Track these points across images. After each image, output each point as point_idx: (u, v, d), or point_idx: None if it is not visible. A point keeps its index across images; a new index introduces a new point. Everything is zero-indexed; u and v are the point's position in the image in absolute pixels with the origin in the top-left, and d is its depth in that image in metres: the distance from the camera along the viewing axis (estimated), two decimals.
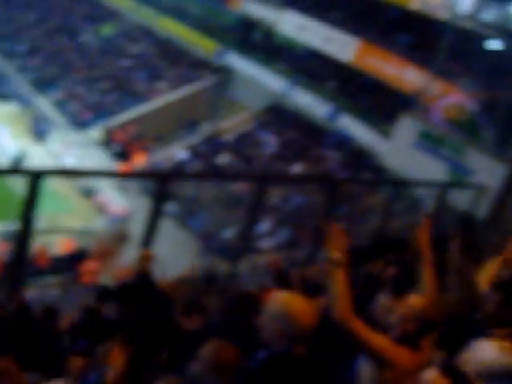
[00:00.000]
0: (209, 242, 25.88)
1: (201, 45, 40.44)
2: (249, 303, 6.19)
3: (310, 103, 32.41)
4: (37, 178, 7.39)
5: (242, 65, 37.11)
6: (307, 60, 35.44)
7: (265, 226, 24.92)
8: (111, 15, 49.43)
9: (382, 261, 8.25)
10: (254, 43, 39.02)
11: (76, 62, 43.20)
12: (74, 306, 8.19)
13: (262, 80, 35.28)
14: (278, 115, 34.16)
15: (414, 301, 4.43)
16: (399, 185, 20.99)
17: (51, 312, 7.88)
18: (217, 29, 40.85)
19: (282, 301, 3.79)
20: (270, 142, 32.38)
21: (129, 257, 8.97)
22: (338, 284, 4.03)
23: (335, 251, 4.12)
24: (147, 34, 45.37)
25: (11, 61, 44.64)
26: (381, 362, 4.04)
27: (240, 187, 27.02)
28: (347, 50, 31.12)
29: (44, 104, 38.85)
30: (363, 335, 3.98)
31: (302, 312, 3.71)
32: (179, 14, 43.67)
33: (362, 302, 4.30)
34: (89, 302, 7.73)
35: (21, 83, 41.43)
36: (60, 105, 38.62)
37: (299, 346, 3.71)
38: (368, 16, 31.37)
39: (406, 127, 26.34)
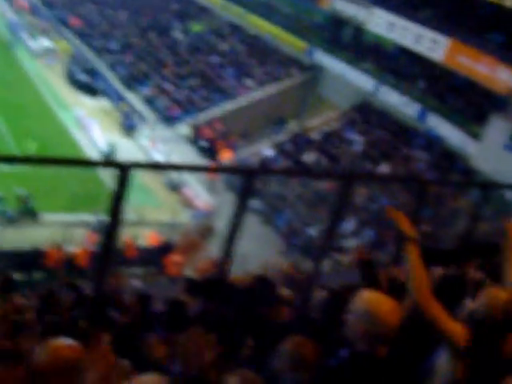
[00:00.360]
0: (292, 240, 25.90)
1: (290, 43, 40.50)
2: (336, 301, 6.16)
3: (398, 102, 31.99)
4: (126, 170, 7.54)
5: (330, 63, 36.97)
6: (396, 59, 34.98)
7: (349, 225, 24.74)
8: (201, 12, 50.17)
9: (469, 265, 8.04)
10: (343, 41, 38.81)
11: (166, 59, 44.05)
12: (159, 296, 8.32)
13: (350, 78, 35.06)
14: (366, 114, 33.83)
15: (498, 292, 4.29)
16: (489, 187, 20.39)
17: (145, 299, 8.02)
18: (306, 27, 40.85)
19: (367, 300, 3.74)
20: (357, 141, 32.10)
21: (213, 251, 9.07)
22: (415, 261, 4.09)
23: (408, 229, 4.23)
24: (236, 31, 45.82)
25: (104, 58, 45.93)
26: (458, 351, 3.95)
27: (325, 185, 26.91)
28: (437, 49, 30.54)
29: (134, 100, 39.78)
30: (442, 320, 3.94)
31: (387, 312, 3.65)
32: (268, 12, 43.91)
33: (448, 307, 4.19)
34: (174, 294, 7.86)
35: (113, 79, 42.56)
36: (150, 100, 39.49)
37: (382, 347, 3.66)
38: (459, 14, 30.68)
39: (498, 128, 25.65)
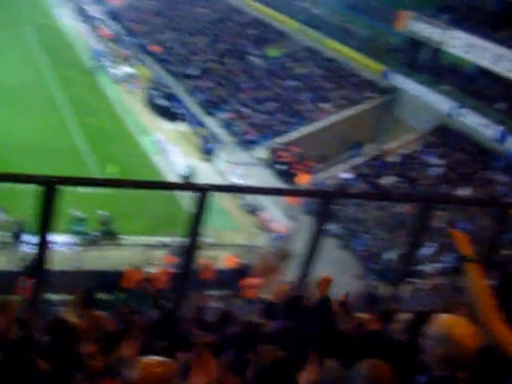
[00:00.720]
0: (370, 264, 25.62)
1: (366, 65, 40.39)
2: (421, 323, 6.07)
3: (477, 124, 31.33)
4: (205, 193, 7.69)
5: (407, 85, 36.62)
6: (475, 80, 34.36)
7: (428, 250, 24.27)
8: (278, 37, 50.66)
9: None
10: (421, 63, 38.41)
11: (244, 84, 44.62)
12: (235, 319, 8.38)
13: (427, 100, 34.60)
14: (445, 136, 33.28)
15: None
16: None
17: (226, 317, 8.09)
18: (382, 49, 40.66)
19: (444, 324, 3.68)
20: (436, 164, 31.60)
21: (290, 275, 9.08)
22: (478, 281, 4.00)
23: (467, 249, 4.15)
24: (313, 55, 46.01)
25: (183, 83, 46.91)
26: None
27: (403, 209, 26.56)
28: None
29: (212, 124, 40.39)
30: (510, 342, 3.82)
31: (465, 335, 3.58)
32: (345, 35, 43.96)
33: None
34: (250, 316, 7.91)
35: (191, 104, 43.38)
36: (227, 124, 40.03)
37: (461, 371, 3.60)
38: None
39: None
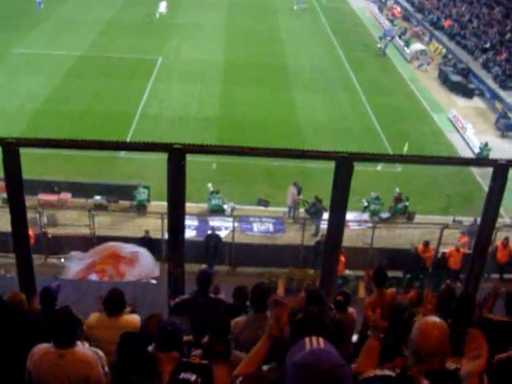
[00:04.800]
0: None
1: None
2: None
3: None
4: (503, 169, 7.34)
5: None
6: None
7: None
8: None
9: None
10: None
11: None
12: None
13: None
14: None
15: None
16: None
17: None
18: None
19: None
20: None
21: None
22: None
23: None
24: None
25: (477, 57, 45.08)
26: None
27: None
28: None
29: (509, 98, 38.24)
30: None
31: None
32: None
33: None
34: None
35: (486, 78, 41.56)
36: None
37: None
38: None
39: None
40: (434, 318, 3.54)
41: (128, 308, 6.89)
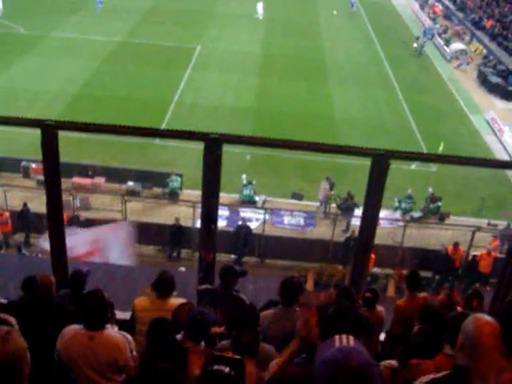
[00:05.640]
0: None
1: None
2: None
3: None
4: None
5: None
6: None
7: None
8: None
9: None
10: None
11: None
12: None
13: None
14: None
15: None
16: None
17: None
18: None
19: None
20: None
21: None
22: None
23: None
24: None
25: None
26: None
27: None
28: None
29: None
30: None
31: None
32: None
33: None
34: None
35: None
36: None
37: None
38: None
39: None
40: (487, 317, 3.55)
41: (175, 292, 6.91)
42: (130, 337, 5.44)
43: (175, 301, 6.53)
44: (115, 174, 24.43)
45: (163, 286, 6.75)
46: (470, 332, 3.45)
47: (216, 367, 4.09)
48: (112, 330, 5.28)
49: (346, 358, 2.66)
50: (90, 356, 5.03)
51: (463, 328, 3.52)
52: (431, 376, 3.66)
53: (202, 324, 4.98)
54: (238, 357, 4.42)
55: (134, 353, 5.27)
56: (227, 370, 4.07)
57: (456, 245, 19.69)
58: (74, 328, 5.15)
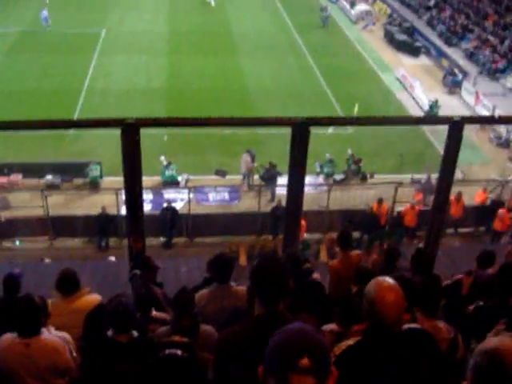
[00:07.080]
0: None
1: None
2: None
3: None
4: (457, 125, 7.39)
5: None
6: None
7: None
8: None
9: None
10: None
11: (487, 9, 41.84)
12: None
13: None
14: None
15: None
16: None
17: None
18: None
19: None
20: None
21: None
22: None
23: None
24: None
25: (421, 15, 45.40)
26: None
27: None
28: None
29: (455, 55, 38.61)
30: None
31: None
32: None
33: None
34: None
35: (431, 36, 41.89)
36: (471, 54, 37.96)
37: None
38: None
39: None
40: (388, 280, 3.48)
41: (87, 288, 6.63)
42: (68, 336, 5.25)
43: (86, 298, 6.28)
44: (32, 170, 23.65)
45: (65, 284, 6.31)
46: (371, 299, 3.38)
47: (168, 351, 4.02)
48: (48, 334, 5.05)
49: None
50: (28, 364, 4.82)
51: (365, 294, 3.46)
52: (349, 342, 3.61)
53: (125, 314, 4.76)
54: (185, 339, 4.35)
55: (74, 354, 5.08)
56: (179, 352, 4.00)
57: (380, 201, 20.01)
58: (8, 337, 4.93)
